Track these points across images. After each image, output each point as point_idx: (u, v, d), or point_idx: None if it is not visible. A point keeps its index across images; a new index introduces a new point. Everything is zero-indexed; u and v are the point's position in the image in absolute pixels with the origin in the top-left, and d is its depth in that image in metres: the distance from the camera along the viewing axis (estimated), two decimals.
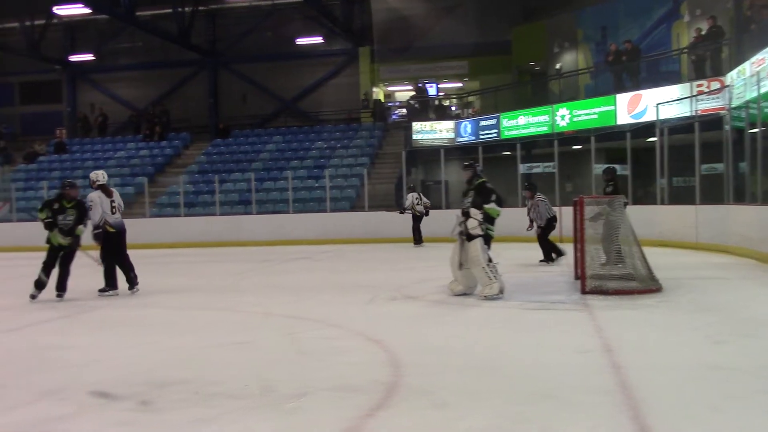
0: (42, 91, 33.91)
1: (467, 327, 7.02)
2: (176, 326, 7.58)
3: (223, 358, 5.89)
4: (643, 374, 4.87)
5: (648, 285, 8.61)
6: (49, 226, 9.50)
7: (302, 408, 4.36)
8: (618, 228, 9.09)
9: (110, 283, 9.98)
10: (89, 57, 31.91)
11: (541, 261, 12.60)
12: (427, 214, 18.58)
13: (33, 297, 9.48)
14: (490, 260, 8.59)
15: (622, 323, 6.88)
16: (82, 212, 9.66)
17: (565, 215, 14.54)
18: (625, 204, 9.56)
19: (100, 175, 10.32)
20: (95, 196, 10.03)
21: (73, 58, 32.10)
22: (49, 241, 9.50)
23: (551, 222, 12.74)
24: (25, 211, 23.98)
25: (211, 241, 21.05)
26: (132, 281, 10.10)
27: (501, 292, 8.50)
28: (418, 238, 18.52)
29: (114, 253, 10.03)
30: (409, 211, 18.60)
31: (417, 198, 18.64)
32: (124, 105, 32.44)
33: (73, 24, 32.44)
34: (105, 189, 10.13)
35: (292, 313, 8.03)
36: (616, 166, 18.88)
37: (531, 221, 13.01)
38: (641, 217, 13.60)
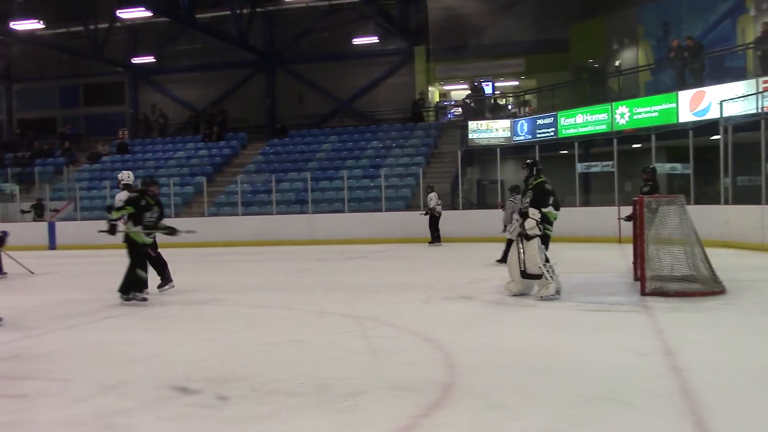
0: (105, 92, 34.83)
1: (523, 327, 6.95)
2: (234, 323, 7.68)
3: (279, 356, 5.95)
4: (705, 378, 4.75)
5: (711, 287, 8.38)
6: (112, 229, 9.34)
7: (357, 406, 4.37)
8: (657, 230, 8.91)
9: (139, 286, 10.07)
10: (150, 59, 32.58)
11: (497, 260, 12.38)
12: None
13: (144, 299, 9.14)
14: (547, 260, 8.53)
15: (683, 326, 6.71)
16: (162, 208, 9.77)
17: (624, 215, 14.28)
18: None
19: (125, 176, 10.57)
20: (123, 196, 10.22)
21: (135, 60, 32.83)
22: (129, 239, 9.28)
23: None
24: (89, 210, 24.63)
25: (267, 240, 21.30)
26: (166, 278, 10.14)
27: (558, 292, 8.44)
28: (436, 237, 18.92)
29: (143, 252, 10.11)
30: (429, 211, 19.01)
31: (437, 198, 19.14)
32: (184, 106, 33.07)
33: (134, 27, 33.19)
34: (130, 189, 10.30)
35: (348, 312, 8.07)
36: (677, 165, 18.52)
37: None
38: (704, 217, 13.24)
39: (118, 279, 9.39)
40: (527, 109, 25.56)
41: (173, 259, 15.99)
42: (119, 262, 14.95)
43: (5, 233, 13.53)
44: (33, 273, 13.80)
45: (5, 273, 13.65)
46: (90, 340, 6.93)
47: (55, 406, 4.60)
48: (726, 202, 15.89)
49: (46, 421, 4.29)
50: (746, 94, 16.25)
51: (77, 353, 6.27)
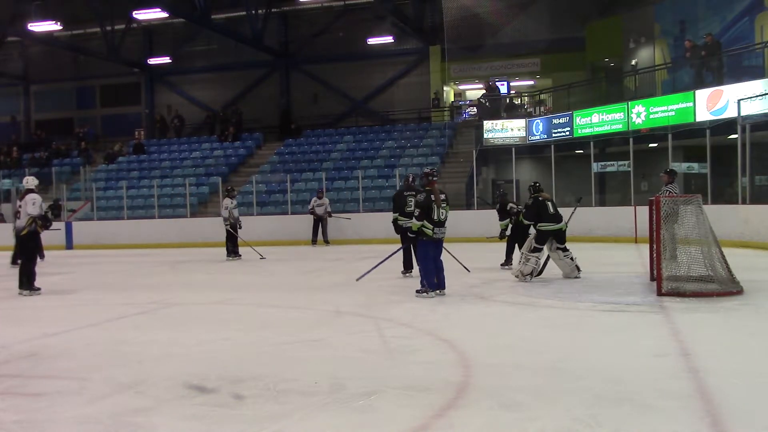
0: (122, 93, 35.06)
1: (538, 327, 6.92)
2: (249, 323, 7.71)
3: (294, 355, 5.96)
4: (722, 380, 4.72)
5: (728, 287, 8.32)
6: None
7: (372, 406, 4.37)
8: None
9: (31, 282, 10.46)
10: (166, 60, 32.75)
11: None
12: (330, 215, 20.73)
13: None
14: (534, 250, 10.31)
15: (700, 326, 6.66)
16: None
17: (640, 215, 14.23)
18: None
19: (24, 180, 10.90)
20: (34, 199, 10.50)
21: (151, 61, 33.02)
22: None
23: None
24: (105, 210, 24.77)
25: (282, 240, 21.34)
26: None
27: (517, 275, 10.34)
28: (315, 239, 20.45)
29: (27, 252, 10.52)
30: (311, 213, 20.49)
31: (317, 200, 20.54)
32: (200, 106, 33.21)
33: (151, 28, 33.41)
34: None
35: (363, 311, 8.07)
36: (694, 165, 18.37)
37: None
38: (722, 217, 13.15)
39: (135, 278, 9.45)
40: (543, 109, 25.44)
41: (187, 259, 16.06)
42: (136, 261, 15.05)
43: None
44: (263, 257, 16.11)
45: (240, 255, 16.19)
46: (107, 338, 6.97)
47: (71, 404, 4.63)
48: (744, 202, 15.76)
49: (62, 420, 4.32)
50: (764, 92, 16.10)
51: (94, 352, 6.30)
